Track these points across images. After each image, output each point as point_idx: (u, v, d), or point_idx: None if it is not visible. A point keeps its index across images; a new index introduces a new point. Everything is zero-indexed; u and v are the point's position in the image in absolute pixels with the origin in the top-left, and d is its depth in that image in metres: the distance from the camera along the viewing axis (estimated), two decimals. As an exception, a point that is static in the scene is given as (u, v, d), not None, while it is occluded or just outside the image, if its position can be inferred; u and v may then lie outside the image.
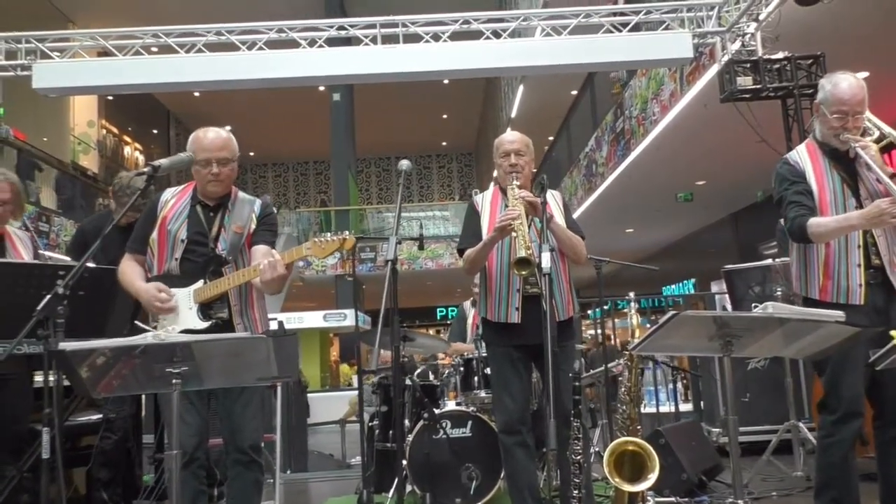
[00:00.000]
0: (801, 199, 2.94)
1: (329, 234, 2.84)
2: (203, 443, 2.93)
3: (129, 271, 2.99)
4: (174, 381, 2.30)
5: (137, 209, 3.86)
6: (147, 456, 4.27)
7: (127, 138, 20.21)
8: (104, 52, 7.71)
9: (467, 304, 5.59)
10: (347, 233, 2.84)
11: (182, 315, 2.89)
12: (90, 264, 2.98)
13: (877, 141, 3.15)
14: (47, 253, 4.00)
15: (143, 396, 4.19)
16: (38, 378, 3.23)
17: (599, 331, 6.46)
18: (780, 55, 6.55)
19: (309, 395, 10.78)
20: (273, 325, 5.18)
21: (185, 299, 2.89)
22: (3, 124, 7.76)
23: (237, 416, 2.92)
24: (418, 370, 5.38)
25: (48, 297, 2.50)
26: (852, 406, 2.85)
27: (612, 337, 9.79)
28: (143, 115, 20.87)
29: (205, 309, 2.90)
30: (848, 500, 2.86)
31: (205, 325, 2.87)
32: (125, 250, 3.05)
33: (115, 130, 19.44)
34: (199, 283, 2.91)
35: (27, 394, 3.30)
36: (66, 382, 2.60)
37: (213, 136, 2.97)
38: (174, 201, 3.02)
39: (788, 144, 6.15)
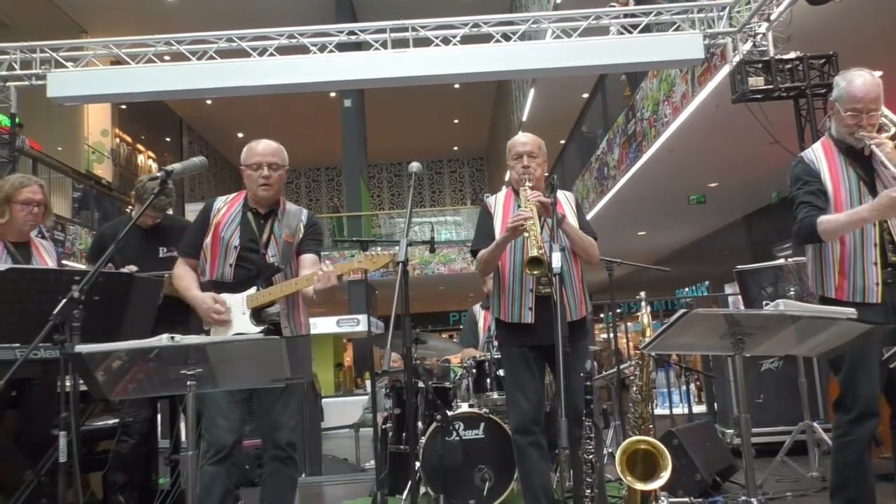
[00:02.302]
0: (812, 200, 2.92)
1: (380, 249, 3.02)
2: (238, 442, 3.01)
3: (186, 276, 3.12)
4: (189, 383, 2.32)
5: (161, 208, 3.95)
6: (163, 458, 4.29)
7: (140, 146, 20.37)
8: (117, 61, 7.78)
9: (476, 307, 5.59)
10: (394, 250, 2.97)
11: (235, 320, 3.00)
12: (106, 269, 3.02)
13: (893, 138, 3.13)
14: (67, 262, 4.06)
15: (159, 401, 4.23)
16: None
17: (611, 334, 6.45)
18: (792, 55, 6.52)
19: (323, 399, 10.80)
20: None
21: (239, 305, 3.01)
22: (20, 134, 7.83)
23: (277, 414, 3.01)
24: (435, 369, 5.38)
25: (63, 301, 2.54)
26: (868, 405, 2.83)
27: (626, 340, 9.76)
28: (155, 123, 21.04)
29: (257, 314, 3.02)
30: (863, 500, 2.84)
31: (258, 329, 2.98)
32: (180, 255, 3.20)
33: (128, 139, 19.60)
34: (252, 290, 3.02)
35: (51, 399, 3.34)
36: (83, 387, 2.62)
37: (265, 144, 3.18)
38: (226, 208, 3.16)
39: (801, 145, 6.13)
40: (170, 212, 4.47)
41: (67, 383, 2.65)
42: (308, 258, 3.14)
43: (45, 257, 3.66)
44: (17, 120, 7.69)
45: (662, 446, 3.03)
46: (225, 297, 3.01)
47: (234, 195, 3.24)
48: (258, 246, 3.08)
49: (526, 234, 3.09)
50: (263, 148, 3.15)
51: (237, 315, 3.00)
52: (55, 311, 2.52)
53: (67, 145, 15.98)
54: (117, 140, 18.83)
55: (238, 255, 3.05)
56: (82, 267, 4.19)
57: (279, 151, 3.18)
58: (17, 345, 3.04)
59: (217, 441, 2.90)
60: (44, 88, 7.29)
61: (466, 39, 7.42)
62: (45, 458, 3.10)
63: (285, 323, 3.07)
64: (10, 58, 7.40)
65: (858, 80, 2.91)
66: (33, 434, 3.29)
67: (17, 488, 3.10)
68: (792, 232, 2.99)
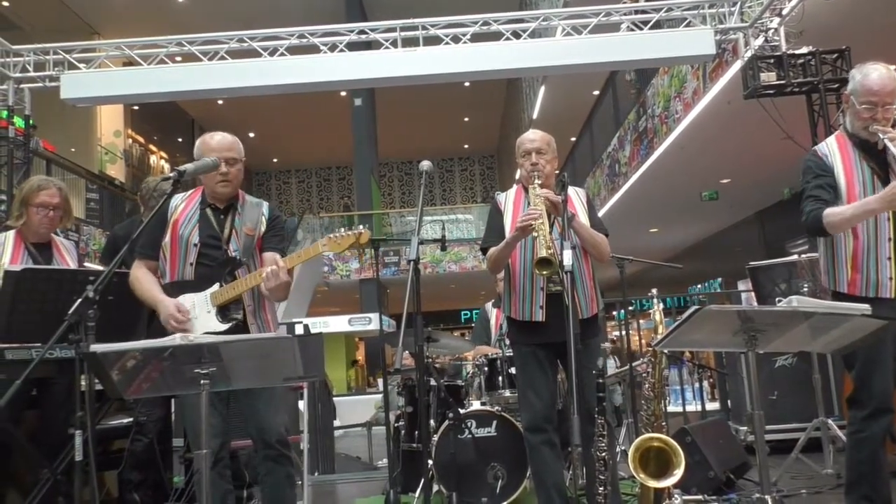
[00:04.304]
0: (819, 193, 2.91)
1: (344, 230, 2.87)
2: (226, 443, 2.99)
3: (145, 279, 3.00)
4: (202, 381, 2.33)
5: None
6: (178, 456, 4.32)
7: (153, 147, 20.49)
8: (129, 62, 7.83)
9: (489, 305, 5.59)
10: (362, 227, 2.87)
11: (200, 319, 2.92)
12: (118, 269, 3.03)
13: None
14: (89, 264, 4.08)
15: (173, 399, 4.26)
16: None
17: (623, 332, 6.44)
18: (804, 50, 6.48)
19: (335, 398, 10.83)
20: (298, 329, 5.22)
21: (203, 303, 2.93)
22: (34, 136, 7.89)
23: (261, 414, 2.95)
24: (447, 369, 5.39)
25: (78, 301, 2.55)
26: (882, 402, 2.82)
27: (639, 338, 9.74)
28: (167, 124, 21.15)
29: (223, 311, 2.94)
30: (879, 497, 2.83)
31: (225, 326, 2.92)
32: (134, 256, 3.05)
33: (140, 140, 19.72)
34: (216, 287, 2.94)
35: (70, 398, 3.36)
36: (98, 387, 2.65)
37: (220, 138, 3.04)
38: (184, 206, 3.05)
39: (814, 140, 6.09)
40: None
41: (83, 383, 2.67)
42: (268, 257, 3.02)
43: (67, 258, 3.68)
44: (30, 121, 7.75)
45: (675, 443, 3.02)
46: (188, 296, 2.92)
47: (191, 191, 3.11)
48: (220, 242, 2.98)
49: (535, 234, 3.08)
50: (218, 143, 3.01)
51: (202, 314, 2.92)
52: (70, 311, 2.53)
53: (80, 146, 16.07)
54: (130, 141, 18.94)
55: (199, 252, 2.95)
56: (98, 267, 4.21)
57: (234, 144, 3.04)
58: (38, 344, 3.07)
59: (207, 446, 2.89)
60: (57, 90, 7.35)
61: (476, 37, 7.42)
62: (62, 457, 3.13)
63: (252, 320, 2.98)
64: (23, 60, 7.46)
65: (874, 74, 2.89)
66: (51, 433, 3.32)
67: (35, 486, 3.14)
68: (802, 225, 2.98)
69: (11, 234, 3.57)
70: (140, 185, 4.37)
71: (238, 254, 2.99)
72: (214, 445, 2.87)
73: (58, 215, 3.59)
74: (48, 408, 3.37)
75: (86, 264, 4.07)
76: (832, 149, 3.01)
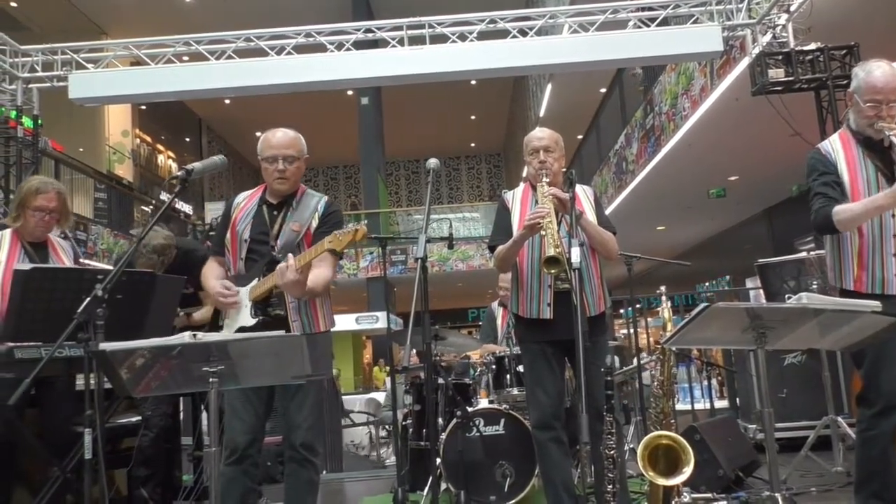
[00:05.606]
0: (827, 191, 2.90)
1: (351, 225, 2.87)
2: (257, 441, 2.97)
3: (209, 271, 3.14)
4: (211, 380, 2.34)
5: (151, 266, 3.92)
6: (186, 454, 4.33)
7: (160, 147, 20.55)
8: (137, 62, 7.86)
9: (495, 304, 5.60)
10: (361, 223, 2.87)
11: (241, 312, 2.98)
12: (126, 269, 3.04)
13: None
14: (87, 261, 4.07)
15: (182, 398, 4.27)
16: (80, 381, 3.30)
17: (632, 330, 6.43)
18: (812, 46, 6.45)
19: (343, 396, 10.85)
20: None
21: (244, 297, 2.99)
22: (42, 136, 7.92)
23: (292, 415, 2.97)
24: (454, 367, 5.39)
25: (87, 299, 2.56)
26: (891, 399, 2.80)
27: (647, 336, 9.72)
28: (175, 123, 21.20)
29: (262, 306, 2.96)
30: (888, 495, 2.81)
31: (253, 321, 2.94)
32: (210, 253, 3.25)
33: (148, 139, 19.78)
34: (254, 282, 2.98)
35: (71, 395, 3.38)
36: (108, 385, 2.65)
37: (281, 135, 3.10)
38: (244, 203, 3.14)
39: (823, 137, 6.05)
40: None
41: (92, 381, 2.68)
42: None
43: (63, 257, 3.67)
44: (39, 121, 7.79)
45: (684, 441, 3.01)
46: (237, 289, 3.00)
47: (255, 189, 3.21)
48: (268, 238, 3.03)
49: (543, 233, 3.07)
50: (279, 140, 3.07)
51: (243, 308, 2.98)
52: (79, 310, 2.54)
53: (88, 146, 16.15)
54: (137, 140, 19.00)
55: (248, 248, 3.03)
56: (105, 266, 4.21)
57: (295, 142, 3.09)
58: (41, 343, 3.09)
59: (230, 442, 2.89)
60: (65, 90, 7.38)
61: (483, 35, 7.42)
62: (71, 455, 3.14)
63: (295, 316, 2.96)
64: (31, 60, 7.50)
65: (878, 71, 2.88)
66: (54, 430, 3.33)
67: (44, 485, 3.15)
68: (811, 223, 2.97)
69: (8, 232, 3.56)
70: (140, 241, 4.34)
71: (277, 250, 3.01)
72: (243, 442, 2.90)
73: (54, 218, 3.58)
74: (48, 405, 3.37)
75: (85, 262, 4.07)
76: (835, 146, 3.01)
